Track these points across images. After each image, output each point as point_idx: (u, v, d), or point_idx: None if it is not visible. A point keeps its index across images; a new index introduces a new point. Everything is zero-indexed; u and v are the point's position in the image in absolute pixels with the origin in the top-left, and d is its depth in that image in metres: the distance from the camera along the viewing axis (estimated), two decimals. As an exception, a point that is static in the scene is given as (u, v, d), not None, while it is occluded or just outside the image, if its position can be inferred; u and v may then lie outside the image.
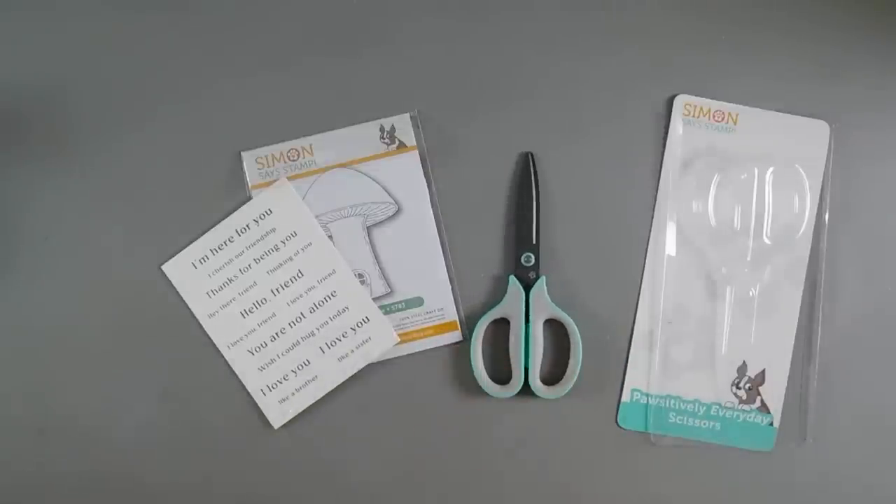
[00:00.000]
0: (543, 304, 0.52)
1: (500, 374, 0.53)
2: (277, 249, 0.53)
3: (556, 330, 0.53)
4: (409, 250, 0.53)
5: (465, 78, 0.54)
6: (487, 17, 0.54)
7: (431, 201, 0.53)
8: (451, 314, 0.53)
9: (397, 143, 0.54)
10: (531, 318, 0.52)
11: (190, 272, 0.53)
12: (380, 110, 0.54)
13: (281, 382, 0.53)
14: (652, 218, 0.54)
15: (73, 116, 0.54)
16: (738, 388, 0.53)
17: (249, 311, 0.53)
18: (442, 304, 0.53)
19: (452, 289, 0.53)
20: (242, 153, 0.53)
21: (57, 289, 0.54)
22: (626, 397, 0.54)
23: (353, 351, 0.53)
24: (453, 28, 0.54)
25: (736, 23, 0.54)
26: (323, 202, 0.54)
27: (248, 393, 0.53)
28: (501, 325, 0.53)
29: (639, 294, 0.54)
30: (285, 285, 0.53)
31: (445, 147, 0.54)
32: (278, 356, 0.53)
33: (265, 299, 0.53)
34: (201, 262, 0.53)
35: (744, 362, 0.53)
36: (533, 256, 0.53)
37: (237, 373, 0.53)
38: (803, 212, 0.54)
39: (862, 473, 0.54)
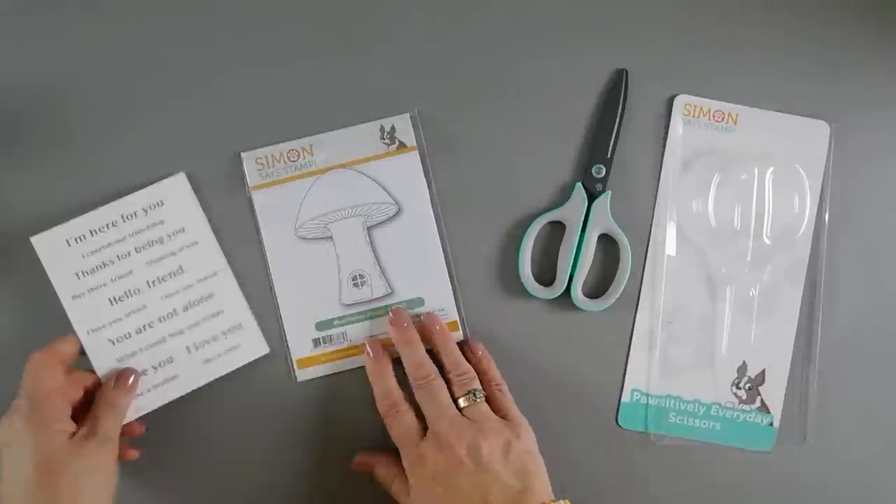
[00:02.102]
0: (603, 217, 0.53)
1: (543, 276, 0.54)
2: (162, 242, 0.52)
3: (606, 247, 0.54)
4: (409, 250, 0.53)
5: (464, 78, 0.54)
6: (486, 18, 0.54)
7: (432, 201, 0.53)
8: (452, 314, 0.53)
9: (397, 143, 0.53)
10: (588, 227, 0.53)
11: (62, 249, 0.52)
12: (380, 110, 0.54)
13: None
14: (652, 218, 0.54)
15: (72, 116, 0.54)
16: (738, 388, 0.53)
17: (118, 300, 0.52)
18: (443, 304, 0.53)
19: (453, 289, 0.53)
20: (242, 154, 0.53)
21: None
22: (626, 397, 0.54)
23: (220, 355, 0.53)
24: (453, 28, 0.54)
25: (736, 23, 0.54)
26: (323, 203, 0.53)
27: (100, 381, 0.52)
28: (556, 229, 0.53)
29: (639, 294, 0.54)
30: (163, 279, 0.52)
31: (445, 147, 0.54)
32: (140, 350, 0.52)
33: (138, 290, 0.52)
34: (77, 241, 0.52)
35: (744, 362, 0.53)
36: (604, 168, 0.53)
37: (91, 360, 0.52)
38: (803, 212, 0.54)
39: (862, 473, 0.54)
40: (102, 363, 0.52)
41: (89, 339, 0.52)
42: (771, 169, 0.54)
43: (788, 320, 0.54)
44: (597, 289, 0.54)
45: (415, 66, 0.54)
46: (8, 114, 0.54)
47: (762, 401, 0.53)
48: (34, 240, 0.52)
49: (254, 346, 0.53)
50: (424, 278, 0.53)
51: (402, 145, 0.53)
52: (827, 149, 0.54)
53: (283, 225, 0.53)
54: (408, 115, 0.53)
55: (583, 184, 0.53)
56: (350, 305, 0.54)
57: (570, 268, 0.53)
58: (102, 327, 0.52)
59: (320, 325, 0.54)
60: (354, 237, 0.53)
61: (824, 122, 0.54)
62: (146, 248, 0.52)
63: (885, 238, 0.54)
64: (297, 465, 0.54)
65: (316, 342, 0.54)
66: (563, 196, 0.53)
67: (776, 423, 0.53)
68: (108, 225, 0.52)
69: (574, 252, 0.53)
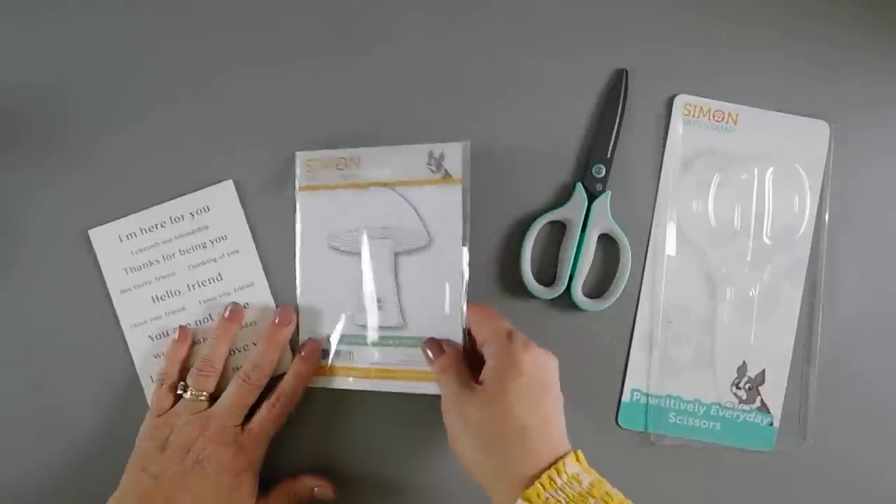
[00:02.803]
0: (603, 217, 0.53)
1: (544, 276, 0.54)
2: (204, 247, 0.53)
3: (606, 247, 0.54)
4: (430, 287, 0.51)
5: (464, 78, 0.54)
6: (488, 18, 0.54)
7: (464, 240, 0.51)
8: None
9: (443, 171, 0.51)
10: (588, 227, 0.53)
11: (115, 244, 0.53)
12: (435, 134, 0.53)
13: None
14: (652, 218, 0.54)
15: (71, 116, 0.54)
16: (738, 388, 0.53)
17: (160, 298, 0.53)
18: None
19: (464, 339, 0.51)
20: (297, 153, 0.53)
21: (57, 288, 0.54)
22: (626, 397, 0.54)
23: None
24: (452, 28, 0.54)
25: (736, 23, 0.54)
26: (361, 218, 0.52)
27: (137, 375, 0.53)
28: (556, 228, 0.53)
29: (639, 294, 0.54)
30: (202, 284, 0.53)
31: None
32: None
33: (179, 291, 0.53)
34: (128, 238, 0.53)
35: (744, 362, 0.53)
36: (604, 168, 0.53)
37: (132, 354, 0.53)
38: (803, 212, 0.54)
39: (862, 473, 0.54)
40: (141, 358, 0.53)
41: (132, 334, 0.53)
42: (771, 169, 0.54)
43: (788, 320, 0.54)
44: (597, 289, 0.54)
45: (414, 65, 0.54)
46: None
47: (762, 401, 0.53)
48: (92, 233, 0.53)
49: (282, 361, 0.53)
50: (439, 319, 0.51)
51: (447, 175, 0.51)
52: (827, 149, 0.54)
53: (319, 231, 0.53)
54: (460, 145, 0.51)
55: (583, 184, 0.53)
56: (362, 326, 0.53)
57: (570, 268, 0.53)
58: (144, 323, 0.53)
59: (331, 338, 0.53)
60: (381, 259, 0.52)
61: (824, 122, 0.54)
62: (189, 252, 0.53)
63: (885, 238, 0.54)
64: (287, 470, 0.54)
65: (324, 353, 0.53)
66: (563, 196, 0.53)
67: (776, 423, 0.53)
68: (156, 225, 0.53)
69: (574, 252, 0.53)
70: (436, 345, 0.50)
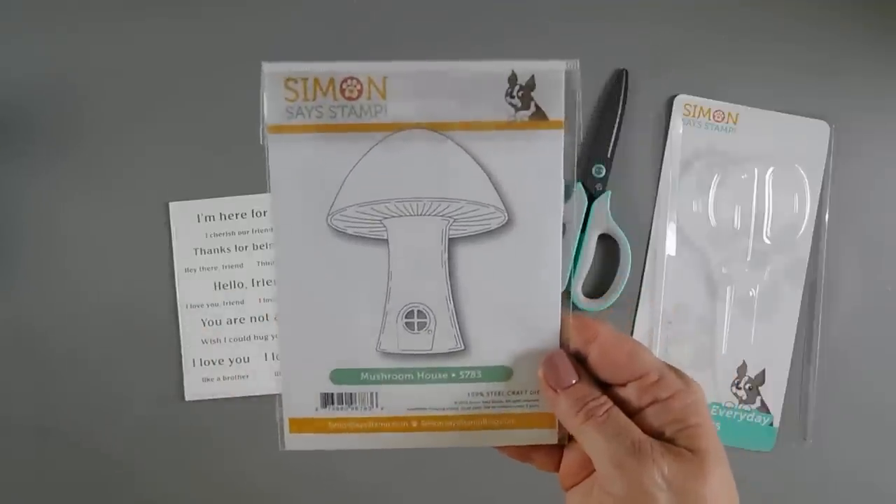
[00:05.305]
0: (603, 218, 0.53)
1: None
2: None
3: (606, 247, 0.54)
4: (508, 291, 0.34)
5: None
6: (488, 18, 0.54)
7: (566, 220, 0.34)
8: (544, 403, 0.34)
9: (533, 109, 0.32)
10: (588, 227, 0.53)
11: (191, 222, 0.53)
12: (522, 49, 0.39)
13: (213, 364, 0.53)
14: (652, 218, 0.54)
15: (74, 114, 0.54)
16: (738, 388, 0.53)
17: (222, 286, 0.53)
18: (538, 385, 0.34)
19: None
20: (264, 65, 0.31)
21: (58, 287, 0.54)
22: (626, 397, 0.54)
23: None
24: (448, 28, 0.54)
25: (736, 23, 0.54)
26: (386, 181, 0.32)
27: (181, 356, 0.53)
28: None
29: (639, 294, 0.54)
30: (267, 282, 0.53)
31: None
32: (225, 339, 0.53)
33: (242, 284, 0.53)
34: (206, 220, 0.53)
35: (744, 362, 0.53)
36: (604, 168, 0.53)
37: (181, 335, 0.53)
38: (803, 212, 0.54)
39: (862, 473, 0.54)
40: (189, 340, 0.53)
41: (185, 314, 0.53)
42: (771, 169, 0.54)
43: (788, 320, 0.54)
44: (597, 289, 0.54)
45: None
46: (5, 112, 0.54)
47: (762, 401, 0.53)
48: (172, 205, 0.53)
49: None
50: (521, 339, 0.34)
51: (539, 115, 0.32)
52: (827, 149, 0.54)
53: (308, 203, 0.33)
54: (563, 64, 0.31)
55: (583, 184, 0.53)
56: (393, 356, 0.34)
57: (570, 268, 0.53)
58: (200, 306, 0.53)
59: (339, 376, 0.34)
60: (425, 249, 0.34)
61: (824, 122, 0.54)
62: (262, 248, 0.53)
63: (885, 238, 0.54)
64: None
65: (326, 399, 0.35)
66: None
67: (776, 423, 0.53)
68: (238, 214, 0.53)
69: (574, 252, 0.53)
70: (565, 368, 0.33)
